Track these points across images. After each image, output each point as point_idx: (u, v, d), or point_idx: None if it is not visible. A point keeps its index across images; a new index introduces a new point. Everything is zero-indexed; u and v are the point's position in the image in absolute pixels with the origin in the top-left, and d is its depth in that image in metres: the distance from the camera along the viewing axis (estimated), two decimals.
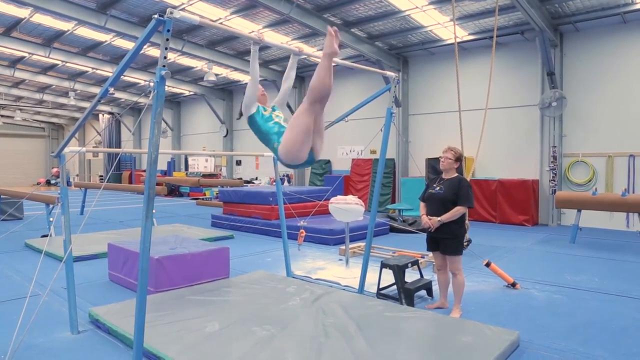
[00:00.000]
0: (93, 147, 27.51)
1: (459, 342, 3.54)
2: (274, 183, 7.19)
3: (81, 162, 30.82)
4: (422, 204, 4.65)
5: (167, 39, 2.72)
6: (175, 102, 22.78)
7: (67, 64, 15.94)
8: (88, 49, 14.44)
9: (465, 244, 6.88)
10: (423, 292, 5.12)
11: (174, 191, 20.23)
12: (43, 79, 18.04)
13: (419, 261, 5.48)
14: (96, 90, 19.18)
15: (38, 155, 31.00)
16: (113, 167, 13.36)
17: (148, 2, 10.51)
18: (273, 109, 3.63)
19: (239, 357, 3.26)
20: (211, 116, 20.49)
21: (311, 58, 13.23)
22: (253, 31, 11.56)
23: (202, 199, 17.72)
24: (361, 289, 5.01)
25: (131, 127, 25.48)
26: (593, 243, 8.54)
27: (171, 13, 2.69)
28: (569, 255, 7.41)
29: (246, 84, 18.90)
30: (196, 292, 4.84)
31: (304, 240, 7.75)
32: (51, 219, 8.38)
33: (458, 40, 11.15)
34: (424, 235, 4.66)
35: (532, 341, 3.78)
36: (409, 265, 5.07)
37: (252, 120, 3.53)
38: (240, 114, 3.59)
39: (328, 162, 16.14)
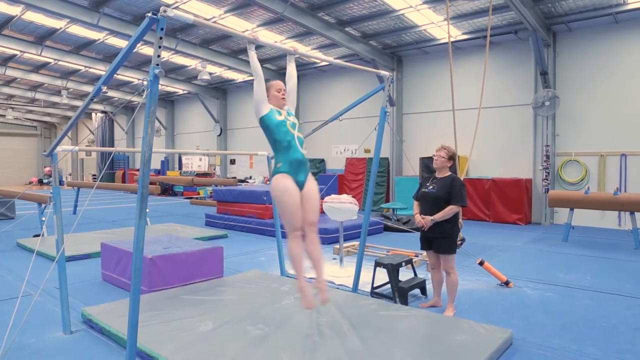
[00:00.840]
0: (86, 146, 27.32)
1: (453, 341, 3.55)
2: (268, 182, 7.19)
3: (74, 161, 30.62)
4: (415, 203, 4.65)
5: (161, 38, 2.70)
6: (169, 100, 22.69)
7: (60, 62, 15.83)
8: (81, 47, 14.34)
9: (459, 242, 6.89)
10: (417, 291, 5.13)
11: (167, 190, 20.15)
12: (35, 78, 17.89)
13: (413, 260, 5.50)
14: (89, 88, 19.06)
15: (30, 154, 30.77)
16: (106, 166, 13.30)
17: (141, 0, 10.45)
18: (288, 114, 3.56)
19: (233, 356, 3.26)
20: (205, 115, 20.43)
21: (305, 57, 13.23)
22: (247, 30, 11.54)
23: (196, 198, 17.67)
24: (355, 288, 5.01)
25: (124, 126, 25.35)
26: (585, 242, 8.60)
27: (165, 11, 2.68)
28: (562, 254, 7.46)
29: (240, 82, 18.81)
30: (190, 291, 4.83)
31: None
32: (43, 219, 8.31)
33: (452, 39, 11.19)
34: (418, 234, 4.67)
35: (525, 339, 3.81)
36: (403, 264, 5.08)
37: (263, 123, 3.43)
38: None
39: (322, 161, 16.14)
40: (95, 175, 27.31)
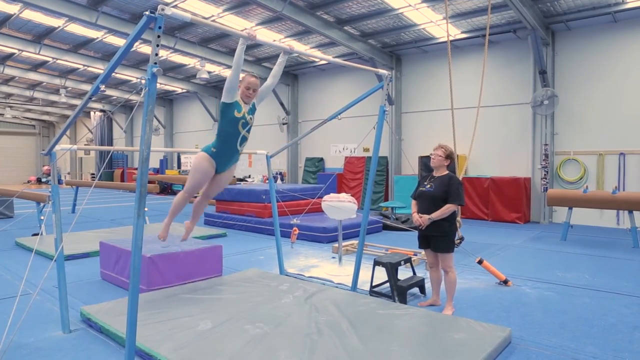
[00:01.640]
0: (84, 144, 27.29)
1: (452, 339, 3.56)
2: (267, 181, 7.18)
3: (72, 160, 30.57)
4: (413, 202, 4.65)
5: (159, 36, 2.70)
6: (167, 99, 22.66)
7: (58, 61, 15.79)
8: (79, 45, 14.31)
9: (458, 241, 6.91)
10: (416, 290, 5.14)
11: (166, 189, 20.14)
12: (33, 76, 17.85)
13: (412, 259, 5.50)
14: (87, 87, 19.02)
15: (29, 153, 30.72)
16: (105, 165, 13.31)
17: None
18: (249, 112, 3.76)
19: (232, 355, 3.26)
20: (204, 114, 20.42)
21: (303, 56, 13.23)
22: (245, 29, 11.52)
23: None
24: (354, 287, 5.02)
25: (123, 125, 25.32)
26: (584, 240, 8.61)
27: (163, 10, 2.67)
28: (560, 253, 7.47)
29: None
30: (189, 290, 4.83)
31: (297, 238, 7.75)
32: (42, 218, 8.31)
33: (451, 38, 11.18)
34: (417, 233, 4.68)
35: (523, 337, 3.81)
36: (402, 262, 5.08)
37: (221, 107, 3.68)
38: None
39: (321, 160, 16.14)
40: (93, 174, 27.27)
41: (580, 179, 10.86)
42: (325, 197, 6.12)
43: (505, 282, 5.43)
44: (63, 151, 3.96)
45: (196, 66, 15.88)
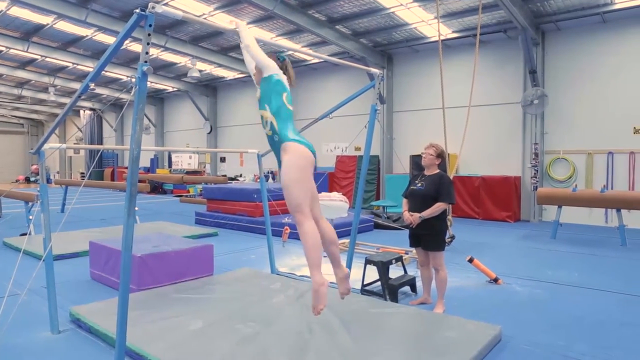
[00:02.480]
0: (74, 143, 27.03)
1: (442, 337, 3.57)
2: (259, 180, 7.17)
3: (62, 159, 30.27)
4: (404, 201, 4.67)
5: (149, 34, 2.67)
6: (158, 98, 22.51)
7: (47, 59, 15.62)
8: (68, 43, 14.17)
9: (449, 240, 6.95)
10: (407, 288, 5.16)
11: (157, 188, 20.01)
12: (21, 74, 17.65)
13: (403, 257, 5.52)
14: (77, 85, 18.83)
15: (17, 152, 30.36)
16: (94, 164, 13.17)
17: None
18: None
19: (223, 354, 3.25)
20: (195, 113, 20.31)
21: (295, 54, 13.20)
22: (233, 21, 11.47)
23: (186, 196, 17.57)
24: None
25: (113, 124, 25.11)
26: (573, 239, 8.70)
27: (153, 8, 2.65)
28: (550, 251, 7.53)
29: (231, 80, 18.64)
30: (180, 290, 4.80)
31: (289, 237, 7.77)
32: (30, 217, 8.21)
33: (442, 38, 11.22)
34: (408, 231, 4.69)
35: (514, 336, 3.84)
36: (393, 261, 5.09)
37: (273, 81, 2.97)
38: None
39: None
40: (83, 173, 27.01)
41: (570, 177, 10.96)
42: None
43: (496, 280, 5.46)
44: (52, 150, 3.91)
45: (187, 65, 15.79)
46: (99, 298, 4.69)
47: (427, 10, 10.48)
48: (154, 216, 11.96)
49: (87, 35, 13.34)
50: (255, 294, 4.66)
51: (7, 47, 13.89)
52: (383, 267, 4.85)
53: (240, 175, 18.90)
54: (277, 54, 3.15)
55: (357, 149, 14.42)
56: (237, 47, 13.40)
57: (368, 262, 5.04)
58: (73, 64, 15.87)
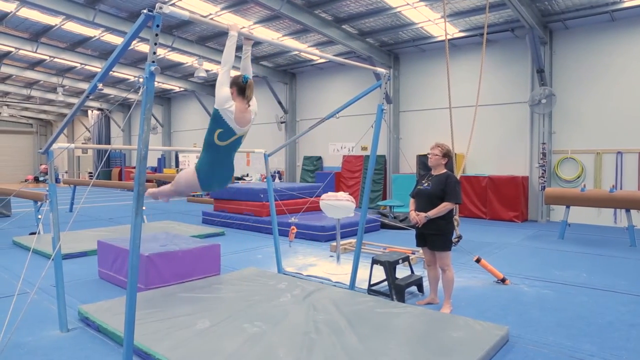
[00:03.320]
0: (82, 143, 27.22)
1: (450, 338, 3.56)
2: (265, 180, 7.19)
3: (70, 158, 30.49)
4: (411, 200, 4.66)
5: (157, 35, 2.69)
6: (165, 98, 22.61)
7: (55, 60, 15.73)
8: (76, 44, 14.26)
9: (456, 240, 6.92)
10: (414, 288, 5.15)
11: None
12: (30, 75, 17.78)
13: (410, 257, 5.51)
14: (85, 86, 18.95)
15: (26, 151, 30.62)
16: (102, 164, 13.24)
17: None
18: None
19: (230, 353, 3.26)
20: (202, 112, 20.37)
21: (301, 54, 13.21)
22: (243, 27, 11.49)
23: (193, 195, 17.64)
24: (352, 285, 5.02)
25: (121, 124, 25.25)
26: (581, 239, 8.63)
27: (160, 8, 2.66)
28: (558, 251, 7.49)
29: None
30: (187, 289, 4.82)
31: (295, 237, 7.77)
32: (39, 216, 8.29)
33: (449, 37, 11.20)
34: (414, 231, 4.68)
35: (521, 336, 3.82)
36: (400, 261, 5.09)
37: (216, 115, 3.38)
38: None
39: (319, 158, 16.13)
40: (91, 172, 27.19)
41: (578, 177, 10.88)
42: (324, 196, 6.12)
43: (503, 280, 5.44)
44: (60, 150, 3.94)
45: (194, 65, 15.84)
46: (107, 297, 4.72)
47: (434, 9, 10.44)
48: (162, 216, 12.03)
49: (94, 36, 13.43)
50: (262, 294, 4.67)
51: (16, 48, 14.01)
52: (390, 267, 4.85)
53: (247, 175, 18.93)
54: (242, 77, 3.49)
55: (364, 148, 14.40)
56: (242, 47, 13.44)
57: (375, 262, 5.04)
58: (81, 64, 15.97)
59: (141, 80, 2.67)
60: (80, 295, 4.95)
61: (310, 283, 5.12)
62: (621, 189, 10.04)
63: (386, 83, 4.86)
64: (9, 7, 11.21)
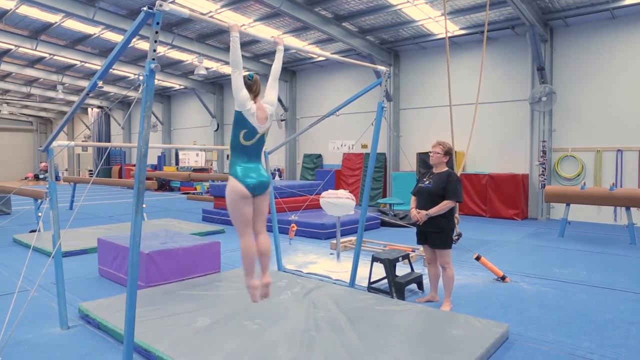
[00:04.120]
0: (82, 141, 27.20)
1: (450, 335, 3.57)
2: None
3: (70, 156, 30.47)
4: (413, 198, 4.66)
5: (157, 32, 2.69)
6: (165, 96, 22.59)
7: (55, 57, 15.69)
8: (76, 41, 14.24)
9: (456, 237, 6.92)
10: (414, 286, 5.15)
11: (164, 186, 20.10)
12: (30, 72, 17.77)
13: (410, 255, 5.51)
14: (85, 83, 18.94)
15: (26, 149, 30.62)
16: (102, 162, 13.26)
17: None
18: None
19: (230, 351, 3.27)
20: (202, 110, 20.35)
21: (301, 52, 13.19)
22: (243, 25, 11.48)
23: (193, 193, 17.64)
24: (352, 283, 5.02)
25: (121, 121, 25.25)
26: (581, 237, 8.64)
27: (160, 6, 2.66)
28: (558, 249, 7.49)
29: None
30: (187, 286, 4.83)
31: (295, 235, 7.77)
32: (40, 214, 8.29)
33: (449, 34, 11.18)
34: (415, 229, 4.68)
35: (521, 333, 3.83)
36: (400, 259, 5.09)
37: (238, 117, 3.21)
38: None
39: (319, 156, 16.13)
40: (91, 170, 27.19)
41: (578, 175, 10.88)
42: (324, 194, 6.12)
43: (503, 278, 5.44)
44: (60, 147, 3.95)
45: (194, 62, 15.82)
46: (107, 294, 4.73)
47: (434, 7, 10.42)
48: (162, 213, 12.03)
49: (94, 34, 13.41)
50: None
51: (16, 46, 13.99)
52: (390, 265, 4.85)
53: None
54: (247, 75, 3.39)
55: (364, 146, 14.40)
56: (243, 45, 13.41)
57: (375, 259, 5.04)
58: (81, 62, 15.96)
59: (141, 77, 2.68)
60: (81, 293, 4.95)
61: (310, 281, 5.12)
62: (621, 186, 10.04)
63: (386, 81, 4.86)
64: (9, 5, 11.19)
